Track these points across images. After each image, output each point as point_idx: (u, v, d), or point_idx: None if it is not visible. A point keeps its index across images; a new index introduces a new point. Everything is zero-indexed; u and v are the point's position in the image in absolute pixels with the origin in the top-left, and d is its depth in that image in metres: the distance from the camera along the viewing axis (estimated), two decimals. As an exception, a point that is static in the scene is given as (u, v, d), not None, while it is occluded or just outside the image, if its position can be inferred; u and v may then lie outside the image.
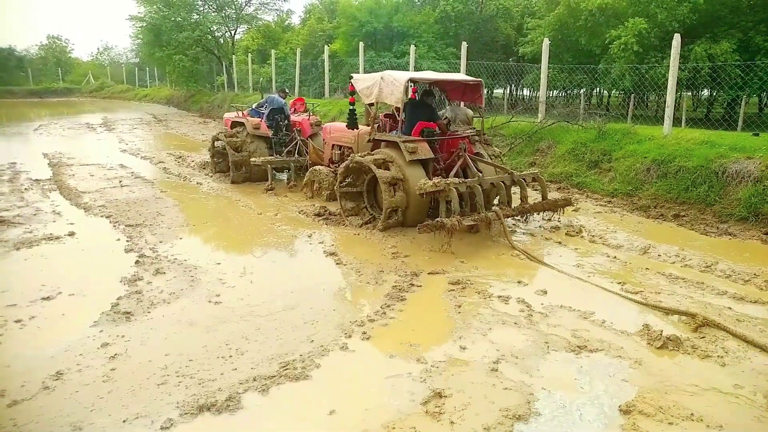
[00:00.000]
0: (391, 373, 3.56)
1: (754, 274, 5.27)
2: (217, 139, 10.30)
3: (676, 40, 8.90)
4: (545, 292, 4.91)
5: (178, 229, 6.97)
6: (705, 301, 4.70)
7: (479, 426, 3.00)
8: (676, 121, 11.36)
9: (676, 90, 9.84)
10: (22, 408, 3.16)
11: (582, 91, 19.91)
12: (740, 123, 13.08)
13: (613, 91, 20.90)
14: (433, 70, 14.55)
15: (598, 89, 21.91)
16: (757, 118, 12.47)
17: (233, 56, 27.69)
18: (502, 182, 6.74)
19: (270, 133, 9.99)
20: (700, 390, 3.36)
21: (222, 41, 31.03)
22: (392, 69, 19.03)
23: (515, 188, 7.02)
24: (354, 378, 3.54)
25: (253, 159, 9.50)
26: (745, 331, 4.06)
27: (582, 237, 6.62)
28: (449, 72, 14.93)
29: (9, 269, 5.50)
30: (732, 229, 6.75)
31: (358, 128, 7.75)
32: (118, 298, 4.68)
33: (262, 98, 10.75)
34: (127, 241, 6.38)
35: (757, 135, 9.16)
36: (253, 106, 10.73)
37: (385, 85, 6.92)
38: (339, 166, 7.86)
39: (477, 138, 7.39)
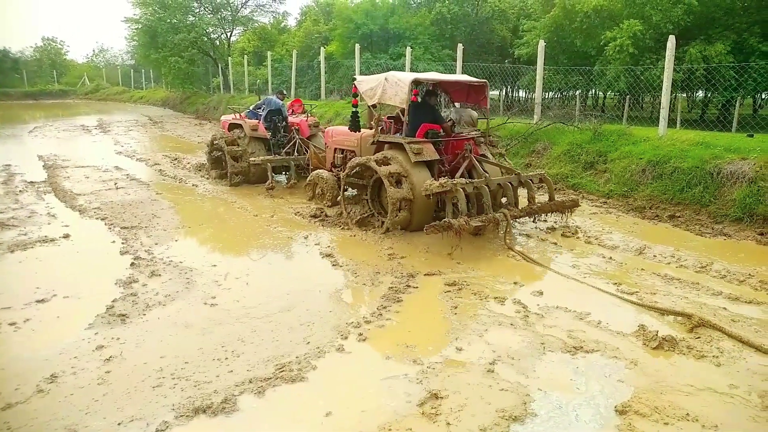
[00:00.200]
0: (387, 375, 3.56)
1: (749, 274, 5.29)
2: (215, 142, 10.23)
3: (671, 41, 8.94)
4: (541, 293, 4.92)
5: (173, 231, 6.95)
6: (700, 302, 4.71)
7: (475, 427, 3.00)
8: (671, 123, 11.41)
9: (671, 91, 9.89)
10: (16, 411, 3.14)
11: (577, 92, 19.99)
12: (735, 124, 13.14)
13: (609, 93, 21.00)
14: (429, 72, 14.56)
15: (593, 91, 22.00)
16: (752, 120, 12.52)
17: (229, 58, 27.65)
18: (509, 183, 6.66)
19: (268, 134, 9.97)
20: (696, 390, 3.37)
21: (218, 43, 31.01)
22: (389, 71, 19.10)
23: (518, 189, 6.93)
24: (350, 379, 3.54)
25: (252, 158, 9.46)
26: (740, 332, 4.08)
27: (578, 238, 6.63)
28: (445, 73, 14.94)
29: (3, 271, 5.48)
30: (727, 229, 6.77)
31: (361, 131, 7.64)
32: (113, 301, 4.66)
33: (260, 99, 10.74)
34: (123, 243, 6.36)
35: (752, 136, 9.21)
36: (251, 108, 10.72)
37: (389, 86, 6.84)
38: (341, 170, 7.81)
39: (482, 139, 7.30)
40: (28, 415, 3.09)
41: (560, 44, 18.76)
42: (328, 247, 6.30)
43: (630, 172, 8.37)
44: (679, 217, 7.31)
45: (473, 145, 6.99)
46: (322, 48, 19.51)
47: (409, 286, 5.07)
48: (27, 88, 45.55)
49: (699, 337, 4.05)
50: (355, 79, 7.58)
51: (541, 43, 11.64)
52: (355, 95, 7.51)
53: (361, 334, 4.10)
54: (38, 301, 4.67)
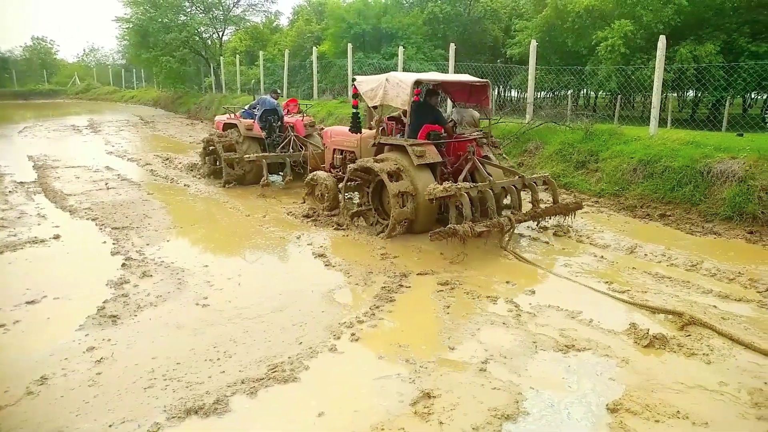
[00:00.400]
0: (380, 375, 3.56)
1: (739, 272, 5.33)
2: (209, 142, 10.13)
3: (662, 41, 9.00)
4: (533, 292, 4.93)
5: (165, 232, 6.92)
6: (690, 300, 4.74)
7: (468, 426, 3.01)
8: (662, 122, 11.49)
9: (662, 91, 9.95)
10: (6, 414, 3.11)
11: (569, 92, 20.06)
12: (725, 123, 13.24)
13: (600, 92, 21.08)
14: (422, 72, 14.57)
15: (585, 90, 22.09)
16: (741, 119, 12.62)
17: (221, 57, 27.55)
18: (513, 186, 6.53)
19: (263, 134, 9.91)
20: (686, 388, 3.39)
21: (209, 42, 30.82)
22: (381, 70, 19.13)
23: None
24: (343, 379, 3.53)
25: (246, 155, 9.38)
26: (730, 329, 4.11)
27: (569, 237, 6.66)
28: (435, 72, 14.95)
29: (-7, 273, 5.43)
30: (717, 228, 6.82)
31: (362, 132, 7.48)
32: (104, 302, 4.63)
33: (254, 99, 10.68)
34: (114, 243, 6.32)
35: (742, 135, 9.29)
36: (246, 108, 10.67)
37: (391, 87, 6.69)
38: (341, 171, 7.70)
39: (484, 140, 7.18)
40: (17, 418, 3.07)
41: (552, 44, 18.84)
42: (321, 247, 6.29)
43: (621, 172, 8.42)
44: (669, 215, 7.36)
45: (476, 147, 6.86)
46: (314, 47, 19.47)
47: (401, 285, 5.07)
48: (16, 87, 45.23)
49: (689, 335, 4.08)
50: (355, 80, 7.43)
51: (533, 43, 11.68)
52: (356, 96, 7.36)
53: (353, 334, 4.10)
54: (28, 303, 4.64)
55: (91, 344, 3.91)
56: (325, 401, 3.26)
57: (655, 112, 9.23)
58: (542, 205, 6.66)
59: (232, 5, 30.51)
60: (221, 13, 30.33)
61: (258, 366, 3.64)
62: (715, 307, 4.60)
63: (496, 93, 24.51)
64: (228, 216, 7.85)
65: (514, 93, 23.85)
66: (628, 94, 14.75)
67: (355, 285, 5.15)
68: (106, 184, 9.87)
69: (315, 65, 18.59)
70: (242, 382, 3.43)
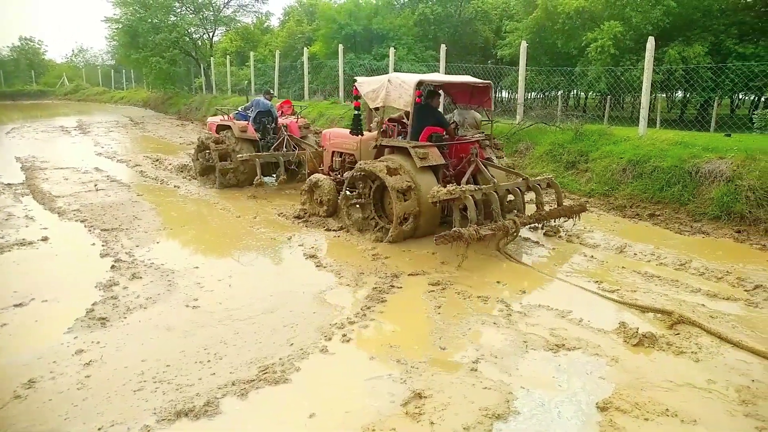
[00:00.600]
0: (371, 375, 3.56)
1: (727, 271, 5.38)
2: (203, 144, 9.98)
3: (651, 42, 9.07)
4: (524, 292, 4.95)
5: (154, 233, 6.87)
6: (679, 299, 4.78)
7: (459, 426, 3.01)
8: (651, 122, 11.58)
9: (651, 92, 10.03)
10: (-7, 417, 3.08)
11: (559, 93, 20.18)
12: (713, 124, 13.37)
13: (590, 93, 21.23)
14: (413, 73, 14.60)
15: (575, 91, 22.24)
16: (729, 119, 12.75)
17: (211, 58, 27.43)
18: (518, 188, 6.40)
19: (257, 136, 9.85)
20: (675, 386, 3.42)
21: (200, 43, 30.68)
22: (372, 71, 19.14)
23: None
24: (334, 380, 3.53)
25: (240, 155, 9.31)
26: (718, 328, 4.15)
27: (559, 237, 6.69)
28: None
29: (-20, 276, 5.37)
30: (705, 227, 6.89)
31: (363, 134, 7.32)
32: (93, 304, 4.60)
33: (247, 100, 10.59)
34: (103, 245, 6.27)
35: (729, 136, 9.39)
36: (240, 109, 10.60)
37: (393, 88, 6.59)
38: (340, 174, 7.61)
39: (487, 142, 7.11)
40: (5, 422, 3.04)
41: (542, 45, 18.96)
42: (312, 248, 6.28)
43: (611, 172, 8.47)
44: (658, 215, 7.42)
45: (478, 149, 6.75)
46: (305, 48, 19.44)
47: (393, 286, 5.07)
48: (4, 88, 44.76)
49: (678, 334, 4.11)
50: (356, 81, 7.27)
51: (524, 44, 11.74)
52: (357, 97, 7.20)
53: (345, 335, 4.10)
54: (16, 305, 4.59)
55: (79, 347, 3.88)
56: (316, 402, 3.26)
57: (644, 113, 9.30)
58: (546, 207, 6.56)
59: (222, 6, 30.45)
60: (211, 13, 30.23)
61: (249, 367, 3.62)
62: (703, 305, 4.64)
63: (487, 94, 24.57)
64: (218, 217, 7.82)
65: (504, 94, 23.95)
66: (618, 94, 14.88)
67: (346, 286, 5.14)
68: (95, 185, 9.79)
69: (306, 66, 18.56)
70: (233, 384, 3.41)
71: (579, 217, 6.71)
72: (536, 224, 6.48)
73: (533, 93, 21.25)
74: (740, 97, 19.67)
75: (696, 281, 5.21)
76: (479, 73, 16.13)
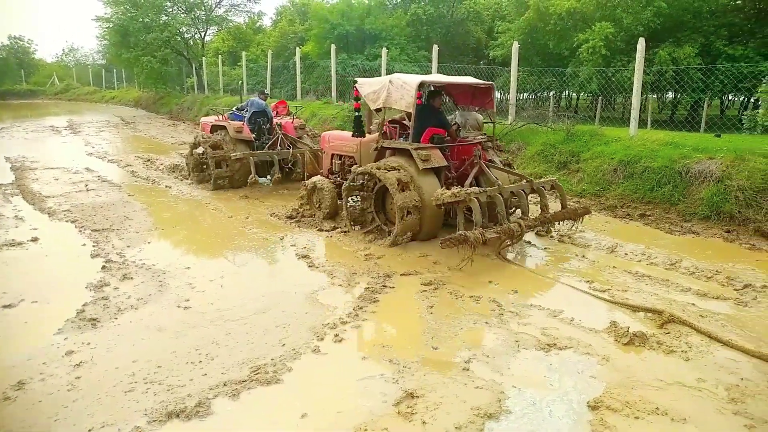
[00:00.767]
0: (363, 375, 3.56)
1: (716, 270, 5.43)
2: (197, 145, 9.89)
3: (641, 44, 9.13)
4: (516, 292, 4.97)
5: (146, 234, 6.84)
6: (670, 298, 4.82)
7: (451, 425, 3.02)
8: (642, 123, 11.65)
9: (642, 92, 10.09)
10: (-18, 419, 3.05)
11: (551, 93, 20.26)
12: (703, 125, 13.48)
13: (581, 94, 21.34)
14: (405, 73, 14.61)
15: (566, 92, 22.34)
16: (719, 120, 12.87)
17: (203, 58, 27.34)
18: (522, 190, 6.32)
19: (252, 136, 9.75)
20: (665, 384, 3.45)
21: (191, 43, 30.53)
22: (364, 71, 19.14)
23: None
24: (326, 381, 3.52)
25: (233, 154, 9.22)
26: (708, 327, 4.18)
27: (551, 237, 6.72)
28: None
29: (-32, 277, 5.32)
30: (695, 227, 6.94)
31: (365, 136, 7.24)
32: (83, 305, 4.57)
33: (241, 101, 10.51)
34: (93, 246, 6.23)
35: (719, 136, 9.47)
36: (234, 109, 10.54)
37: (394, 89, 6.46)
38: (339, 177, 7.53)
39: (489, 144, 7.02)
40: (-6, 424, 3.02)
41: (534, 46, 19.04)
42: (304, 248, 6.27)
43: (602, 172, 8.52)
44: (649, 215, 7.47)
45: (481, 151, 6.63)
46: (297, 48, 19.41)
47: (385, 286, 5.07)
48: (-7, 87, 44.36)
49: (668, 333, 4.14)
50: (356, 82, 7.14)
51: (515, 45, 11.78)
52: (357, 99, 7.11)
53: (337, 335, 4.10)
54: (5, 306, 4.55)
55: (70, 348, 3.85)
56: (308, 402, 3.25)
57: (635, 114, 9.36)
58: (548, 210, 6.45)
59: (214, 5, 30.33)
60: (203, 13, 30.11)
61: (240, 368, 3.61)
62: (693, 304, 4.67)
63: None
64: (210, 217, 7.79)
65: (497, 94, 24.03)
66: (609, 95, 14.98)
67: (338, 286, 5.14)
68: (86, 185, 9.73)
69: (298, 66, 18.54)
70: (224, 385, 3.40)
71: (583, 219, 6.60)
72: (541, 227, 6.39)
73: (525, 94, 21.30)
74: (730, 98, 19.83)
75: (686, 281, 5.25)
76: (471, 74, 16.18)
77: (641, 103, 10.47)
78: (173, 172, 11.23)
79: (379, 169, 6.28)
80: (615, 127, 11.09)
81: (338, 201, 7.29)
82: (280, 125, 9.99)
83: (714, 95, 15.78)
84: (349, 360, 3.80)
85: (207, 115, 14.21)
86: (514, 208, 6.87)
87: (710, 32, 15.35)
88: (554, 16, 17.18)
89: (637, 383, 3.46)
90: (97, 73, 47.29)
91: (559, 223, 6.56)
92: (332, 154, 7.95)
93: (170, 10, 29.26)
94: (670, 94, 19.08)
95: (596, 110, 17.17)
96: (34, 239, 6.44)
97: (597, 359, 3.76)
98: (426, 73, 14.47)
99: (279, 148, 9.67)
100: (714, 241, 6.56)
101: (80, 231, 6.86)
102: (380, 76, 14.55)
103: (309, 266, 5.68)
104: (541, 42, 18.63)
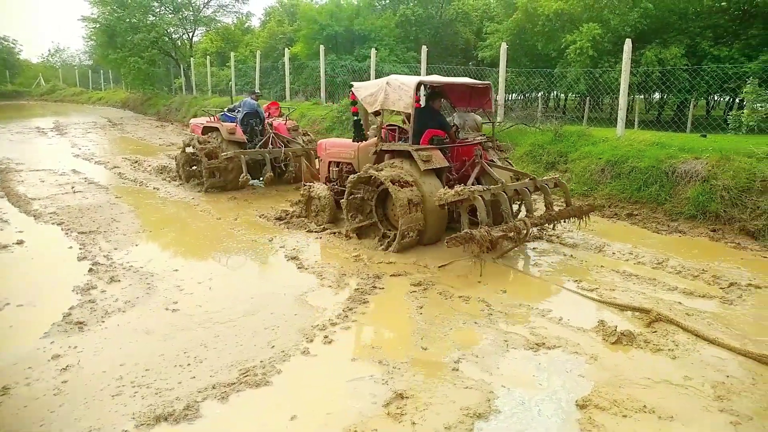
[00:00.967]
0: (353, 377, 3.55)
1: (703, 269, 5.49)
2: (188, 146, 9.77)
3: (628, 45, 9.21)
4: (505, 292, 4.99)
5: (133, 236, 6.78)
6: (657, 297, 4.86)
7: (440, 425, 3.02)
8: (629, 123, 11.77)
9: (629, 93, 10.18)
10: (-34, 425, 3.01)
11: (539, 94, 20.38)
12: (689, 125, 13.64)
13: (569, 95, 21.48)
14: (395, 74, 14.62)
15: (554, 92, 22.48)
16: (705, 120, 13.01)
17: (191, 59, 27.17)
18: (526, 189, 6.22)
19: (245, 138, 9.66)
20: (652, 383, 3.48)
21: (179, 43, 30.34)
22: (353, 72, 19.14)
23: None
24: (316, 382, 3.52)
25: (224, 153, 9.12)
26: (694, 325, 4.23)
27: (539, 237, 6.75)
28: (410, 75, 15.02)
29: (-48, 280, 5.25)
30: (682, 226, 7.01)
31: (365, 140, 7.10)
32: (70, 308, 4.52)
33: (231, 102, 10.43)
34: (80, 248, 6.17)
35: (705, 136, 9.57)
36: (225, 110, 10.45)
37: (392, 91, 6.36)
38: (338, 184, 7.44)
39: (489, 144, 6.97)
40: (-22, 429, 2.98)
41: (522, 47, 19.16)
42: (294, 249, 6.25)
43: (590, 172, 8.58)
44: (636, 215, 7.54)
45: (482, 151, 6.57)
46: (286, 49, 19.36)
47: (375, 287, 5.07)
48: (-24, 88, 43.80)
49: (655, 331, 4.18)
50: (352, 86, 7.02)
51: (504, 46, 11.83)
52: (353, 103, 7.00)
53: (326, 337, 4.09)
54: (-10, 311, 4.50)
55: (56, 352, 3.81)
56: (297, 405, 3.24)
57: (622, 114, 9.43)
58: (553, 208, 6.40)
59: (202, 6, 30.15)
60: (191, 13, 29.91)
61: (229, 371, 3.60)
62: (680, 303, 4.72)
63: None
64: (199, 219, 7.74)
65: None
66: (597, 96, 15.07)
67: (328, 287, 5.13)
68: (73, 187, 9.64)
69: (287, 67, 18.49)
70: (213, 387, 3.38)
71: (588, 217, 6.53)
72: (546, 225, 6.36)
73: (513, 94, 21.40)
74: (715, 98, 20.07)
75: (673, 279, 5.30)
76: (460, 75, 16.24)
77: (628, 103, 10.55)
78: (161, 173, 11.15)
79: (379, 170, 6.19)
80: (602, 127, 11.16)
81: (336, 209, 7.20)
82: (271, 125, 9.94)
83: (700, 96, 15.96)
84: (339, 361, 3.79)
85: (196, 116, 14.12)
86: (519, 203, 6.74)
87: (696, 33, 15.53)
88: (542, 17, 17.30)
89: (624, 382, 3.49)
90: (83, 74, 46.83)
91: (564, 221, 6.49)
92: (329, 162, 7.85)
93: (158, 10, 29.08)
94: (657, 95, 19.28)
95: (584, 111, 17.30)
96: (20, 242, 6.37)
97: (585, 358, 3.79)
98: (415, 74, 14.50)
99: (271, 147, 9.61)
100: (700, 240, 6.63)
101: (67, 233, 6.79)
102: (369, 76, 14.58)
103: (298, 267, 5.67)
104: (530, 43, 18.75)
